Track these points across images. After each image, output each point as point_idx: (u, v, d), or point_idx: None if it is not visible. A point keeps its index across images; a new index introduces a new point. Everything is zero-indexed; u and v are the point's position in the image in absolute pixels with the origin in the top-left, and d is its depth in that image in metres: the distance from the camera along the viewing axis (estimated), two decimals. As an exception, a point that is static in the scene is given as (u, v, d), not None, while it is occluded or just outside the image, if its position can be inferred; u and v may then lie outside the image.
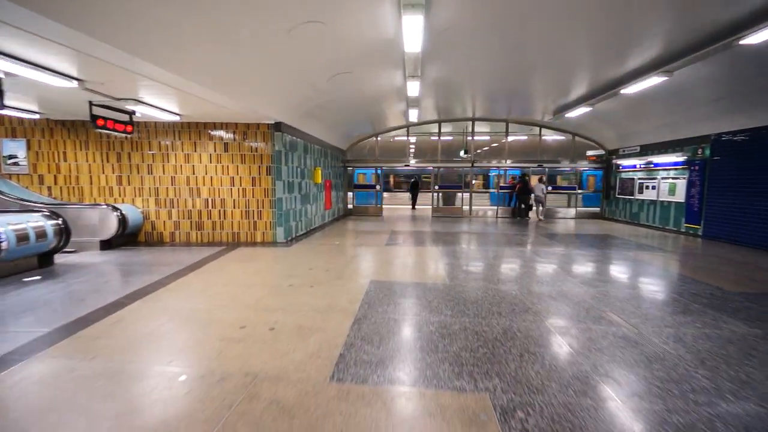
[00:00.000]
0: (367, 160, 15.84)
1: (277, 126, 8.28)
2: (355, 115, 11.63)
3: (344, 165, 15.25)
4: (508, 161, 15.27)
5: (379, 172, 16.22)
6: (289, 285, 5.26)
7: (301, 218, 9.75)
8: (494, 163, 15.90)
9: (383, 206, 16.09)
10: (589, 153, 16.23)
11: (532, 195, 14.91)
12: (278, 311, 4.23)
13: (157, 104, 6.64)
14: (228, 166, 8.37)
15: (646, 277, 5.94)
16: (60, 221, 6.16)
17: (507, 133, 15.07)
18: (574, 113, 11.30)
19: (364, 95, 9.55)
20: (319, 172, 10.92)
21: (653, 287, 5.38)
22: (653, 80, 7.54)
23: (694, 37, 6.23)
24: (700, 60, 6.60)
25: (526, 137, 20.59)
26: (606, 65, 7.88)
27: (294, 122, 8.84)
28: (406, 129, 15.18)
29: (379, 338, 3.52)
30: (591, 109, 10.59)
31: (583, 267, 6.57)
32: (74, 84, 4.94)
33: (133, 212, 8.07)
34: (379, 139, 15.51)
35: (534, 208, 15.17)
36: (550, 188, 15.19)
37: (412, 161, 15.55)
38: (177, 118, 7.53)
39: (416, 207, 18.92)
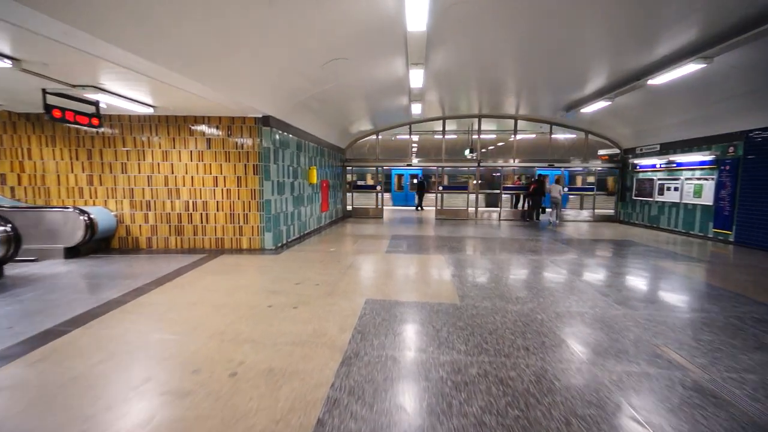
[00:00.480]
0: (368, 160, 14.98)
1: (265, 120, 7.43)
2: (353, 110, 10.77)
3: (343, 164, 14.39)
4: (517, 161, 14.35)
5: (420, 172, 15.36)
6: (269, 306, 4.39)
7: (293, 222, 8.89)
8: (501, 162, 14.97)
9: (383, 208, 15.22)
10: (601, 152, 15.32)
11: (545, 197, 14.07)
12: (248, 344, 3.36)
13: (122, 93, 5.80)
14: (210, 165, 7.52)
15: (690, 295, 5.04)
16: (8, 228, 5.32)
17: (515, 132, 14.17)
18: (590, 108, 10.40)
19: (363, 87, 8.69)
20: (315, 171, 10.06)
21: (705, 309, 4.48)
22: (689, 68, 6.63)
23: (743, 14, 5.34)
24: (750, 42, 5.70)
25: (534, 135, 19.71)
26: (632, 52, 6.98)
27: (284, 116, 7.98)
28: (408, 126, 14.31)
29: (372, 390, 2.65)
30: (610, 103, 9.68)
31: (614, 281, 5.67)
32: (7, 64, 4.09)
33: (104, 216, 7.23)
34: (380, 137, 14.64)
35: (549, 210, 14.43)
36: (566, 189, 14.27)
37: (415, 160, 14.68)
38: (150, 111, 6.68)
39: (423, 208, 17.97)
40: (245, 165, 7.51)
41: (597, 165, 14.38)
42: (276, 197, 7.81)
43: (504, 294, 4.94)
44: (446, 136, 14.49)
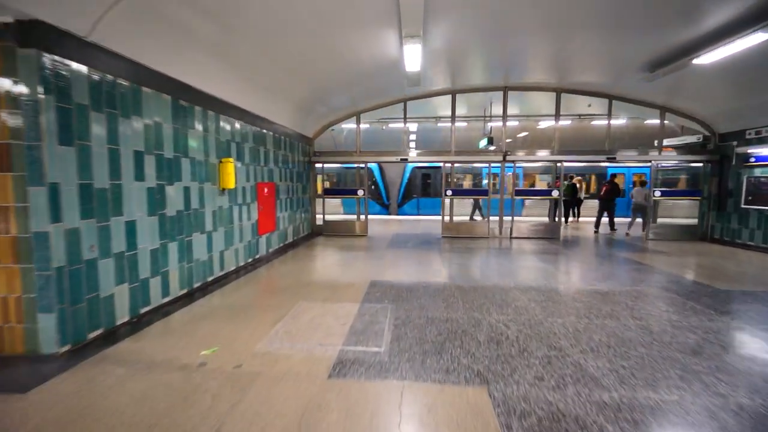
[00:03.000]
0: (349, 153, 10.33)
1: (27, 30, 2.81)
2: (304, 56, 6.10)
3: (309, 159, 9.73)
4: (551, 152, 9.62)
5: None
6: None
7: (160, 270, 4.22)
8: (537, 154, 10.23)
9: (368, 219, 10.53)
10: (669, 142, 10.65)
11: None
12: None
13: None
14: None
15: None
16: None
17: (558, 112, 9.46)
18: (714, 55, 5.71)
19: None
20: (232, 168, 5.41)
21: None
22: None
23: None
24: None
25: (569, 122, 15.00)
26: None
27: (103, 32, 3.34)
28: (403, 106, 9.64)
29: None
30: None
31: None
32: None
33: None
34: (366, 126, 9.99)
35: (631, 221, 10.25)
36: (658, 193, 9.56)
37: (413, 153, 10.02)
38: None
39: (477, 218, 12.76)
40: (-24, 147, 2.88)
41: (673, 158, 9.73)
42: (78, 225, 3.17)
43: None
44: (456, 121, 9.81)
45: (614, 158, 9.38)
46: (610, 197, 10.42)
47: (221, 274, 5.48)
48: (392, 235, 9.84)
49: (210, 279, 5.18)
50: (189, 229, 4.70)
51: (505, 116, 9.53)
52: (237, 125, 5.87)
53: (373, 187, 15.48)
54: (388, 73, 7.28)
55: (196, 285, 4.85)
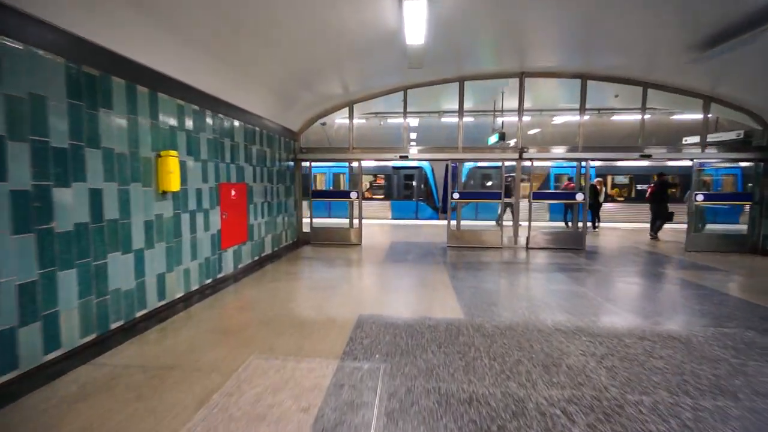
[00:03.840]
0: (342, 150, 8.93)
1: None
2: (283, 26, 4.71)
3: (295, 157, 8.34)
4: (575, 149, 8.18)
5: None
6: None
7: (37, 315, 2.78)
8: (559, 152, 8.79)
9: (362, 225, 9.14)
10: (714, 137, 9.20)
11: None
12: None
13: None
14: None
15: None
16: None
17: (582, 105, 8.03)
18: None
19: None
20: (174, 164, 4.02)
21: None
22: None
23: None
24: None
25: (588, 116, 13.53)
26: None
27: None
28: (403, 95, 8.24)
29: None
30: None
31: None
32: None
33: None
34: (363, 121, 8.60)
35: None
36: (701, 197, 8.15)
37: (414, 149, 8.63)
38: None
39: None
40: None
41: (718, 156, 8.32)
42: None
43: None
44: (465, 116, 8.40)
45: (649, 156, 7.96)
46: (657, 199, 9.13)
47: (161, 304, 4.08)
48: (390, 245, 8.44)
49: (140, 314, 3.78)
50: (101, 249, 3.30)
51: (521, 107, 8.13)
52: (188, 110, 4.48)
53: (423, 186, 14.19)
54: (385, 50, 5.88)
55: (114, 326, 3.45)
